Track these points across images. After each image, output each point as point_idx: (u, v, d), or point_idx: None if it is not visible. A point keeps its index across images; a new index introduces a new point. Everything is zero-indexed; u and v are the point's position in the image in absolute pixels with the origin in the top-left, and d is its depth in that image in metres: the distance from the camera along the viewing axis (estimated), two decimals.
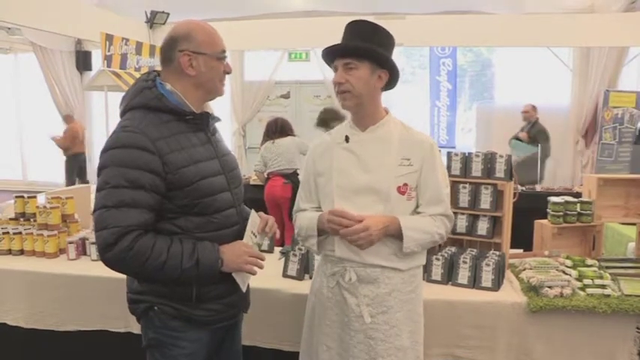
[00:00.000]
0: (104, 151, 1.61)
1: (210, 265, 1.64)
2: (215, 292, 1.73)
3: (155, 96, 1.66)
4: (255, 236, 1.81)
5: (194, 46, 1.67)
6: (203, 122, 1.74)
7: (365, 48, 1.80)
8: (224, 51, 1.75)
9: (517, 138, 6.61)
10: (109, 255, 1.55)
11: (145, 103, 1.66)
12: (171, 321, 1.72)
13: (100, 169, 1.60)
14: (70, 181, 8.56)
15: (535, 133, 6.50)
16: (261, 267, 1.76)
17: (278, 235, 1.95)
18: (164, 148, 1.60)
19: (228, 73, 1.77)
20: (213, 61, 1.71)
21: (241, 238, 1.76)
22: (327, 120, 5.19)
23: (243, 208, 1.88)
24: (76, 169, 8.68)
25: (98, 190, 1.59)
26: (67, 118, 8.65)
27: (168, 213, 1.64)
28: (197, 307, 1.71)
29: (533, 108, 6.77)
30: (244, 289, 1.79)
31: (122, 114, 1.71)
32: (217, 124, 1.86)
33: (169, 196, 1.62)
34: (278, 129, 5.20)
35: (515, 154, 6.03)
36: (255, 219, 1.82)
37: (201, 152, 1.70)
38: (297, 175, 5.12)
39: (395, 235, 1.83)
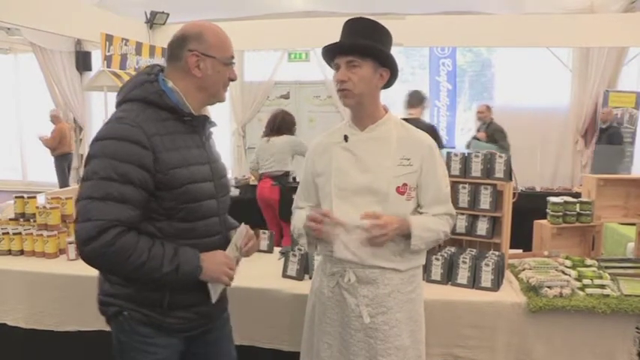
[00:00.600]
0: (96, 140, 1.56)
1: (189, 271, 1.60)
2: (187, 300, 1.69)
3: (156, 91, 1.62)
4: (237, 249, 1.76)
5: (204, 48, 1.64)
6: (200, 125, 1.71)
7: (369, 46, 1.80)
8: (233, 57, 1.72)
9: (476, 138, 6.76)
10: (88, 248, 1.49)
11: (145, 96, 1.62)
12: (140, 327, 1.67)
13: (90, 157, 1.54)
14: (62, 181, 8.61)
15: (492, 132, 6.70)
16: (231, 279, 1.72)
17: (249, 256, 1.91)
18: (158, 145, 1.56)
19: (232, 80, 1.74)
20: (221, 66, 1.68)
21: (223, 247, 1.73)
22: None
23: (227, 218, 1.85)
24: (65, 168, 8.76)
25: (85, 179, 1.53)
26: (54, 119, 8.72)
27: (152, 213, 1.59)
28: (168, 314, 1.67)
29: (488, 109, 6.99)
30: (214, 300, 1.73)
31: (118, 105, 1.67)
32: (216, 126, 1.83)
33: (157, 195, 1.57)
34: (276, 126, 5.06)
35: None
36: (242, 232, 1.78)
37: (195, 155, 1.66)
38: (288, 176, 5.06)
39: (401, 235, 1.83)
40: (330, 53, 1.86)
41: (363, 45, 1.80)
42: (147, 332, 1.67)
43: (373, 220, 1.76)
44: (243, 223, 1.82)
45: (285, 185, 4.92)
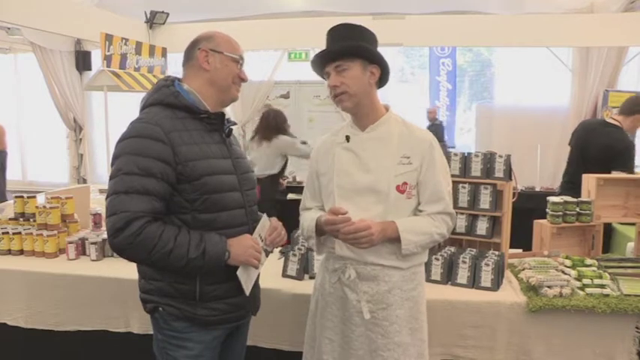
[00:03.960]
0: (120, 140, 1.66)
1: (216, 255, 1.66)
2: (218, 291, 1.74)
3: (172, 93, 1.73)
4: (262, 240, 1.80)
5: (212, 45, 1.77)
6: (217, 123, 1.78)
7: (353, 46, 1.82)
8: (242, 57, 1.81)
9: None
10: (117, 240, 1.58)
11: (162, 99, 1.73)
12: (175, 322, 1.73)
13: (115, 157, 1.65)
14: None
15: None
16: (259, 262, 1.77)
17: (273, 248, 1.94)
18: (176, 140, 1.64)
19: (243, 80, 1.82)
20: (228, 61, 1.78)
21: None
22: None
23: (255, 210, 1.90)
24: None
25: (111, 177, 1.64)
26: None
27: (176, 207, 1.67)
28: (200, 306, 1.72)
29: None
30: (247, 292, 1.78)
31: (140, 111, 1.77)
32: (236, 125, 1.90)
33: (179, 188, 1.65)
34: (261, 129, 4.85)
35: None
36: (265, 223, 1.82)
37: (214, 150, 1.74)
38: (271, 178, 4.89)
39: (393, 238, 1.84)
40: (319, 64, 1.89)
41: (347, 46, 1.82)
42: (181, 327, 1.73)
43: (356, 226, 1.75)
44: (264, 215, 1.86)
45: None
